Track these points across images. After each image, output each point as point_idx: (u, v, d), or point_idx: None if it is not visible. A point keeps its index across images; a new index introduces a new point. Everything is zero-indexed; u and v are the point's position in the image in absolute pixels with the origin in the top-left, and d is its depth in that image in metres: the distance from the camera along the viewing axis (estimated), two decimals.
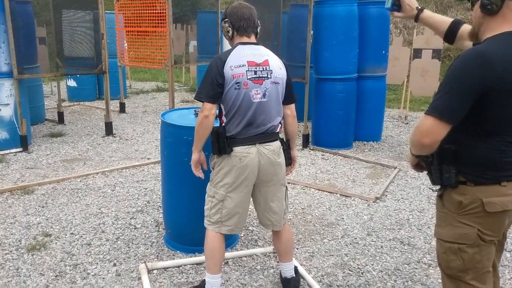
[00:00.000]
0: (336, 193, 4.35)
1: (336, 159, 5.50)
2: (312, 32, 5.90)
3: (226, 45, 9.44)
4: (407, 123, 7.38)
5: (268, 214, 2.58)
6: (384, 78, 6.33)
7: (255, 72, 2.38)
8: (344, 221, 3.77)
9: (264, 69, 2.41)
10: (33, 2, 6.85)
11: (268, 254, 3.21)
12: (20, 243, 3.27)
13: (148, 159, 5.36)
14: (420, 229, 3.64)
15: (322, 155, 5.63)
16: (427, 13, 2.17)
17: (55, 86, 9.93)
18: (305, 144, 5.89)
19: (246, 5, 2.55)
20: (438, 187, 1.90)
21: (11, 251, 3.15)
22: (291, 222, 3.74)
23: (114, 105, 7.82)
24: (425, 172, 1.96)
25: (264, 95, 2.40)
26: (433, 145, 1.73)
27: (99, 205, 3.98)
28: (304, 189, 4.47)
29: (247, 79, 2.36)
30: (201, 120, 2.37)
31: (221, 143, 2.40)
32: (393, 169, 5.07)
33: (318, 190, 4.44)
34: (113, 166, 5.02)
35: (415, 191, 4.47)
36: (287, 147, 2.64)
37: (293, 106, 2.63)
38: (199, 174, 2.54)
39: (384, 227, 3.68)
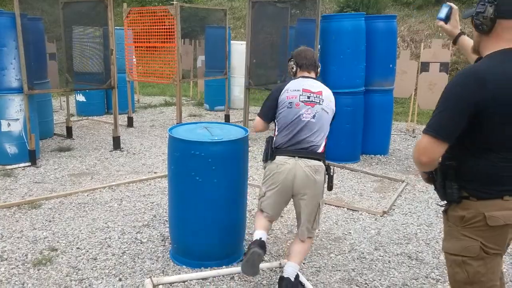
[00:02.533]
0: (343, 207, 4.31)
1: (343, 172, 5.47)
2: (319, 46, 5.94)
3: (234, 61, 9.53)
4: (414, 137, 7.34)
5: (304, 226, 2.89)
6: (392, 91, 6.32)
7: (308, 97, 2.85)
8: (351, 236, 3.73)
9: (317, 97, 2.88)
10: (44, 18, 6.96)
11: (274, 269, 3.18)
12: (27, 258, 3.27)
13: (155, 173, 5.37)
14: (428, 244, 3.59)
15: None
16: (467, 38, 2.20)
17: (64, 101, 10.01)
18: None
19: (309, 48, 3.11)
20: (444, 202, 1.93)
21: (17, 266, 3.16)
22: None
23: (122, 119, 7.87)
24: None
25: (314, 116, 2.84)
26: (431, 162, 1.80)
27: (105, 220, 3.98)
28: None
29: (300, 101, 2.84)
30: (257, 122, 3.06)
31: (268, 151, 2.89)
32: (400, 182, 5.03)
33: (325, 204, 4.41)
34: (120, 180, 5.04)
35: (423, 205, 4.42)
36: (331, 173, 2.97)
37: None
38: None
39: (392, 241, 3.64)
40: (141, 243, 3.56)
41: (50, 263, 3.20)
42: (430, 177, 1.96)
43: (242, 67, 9.17)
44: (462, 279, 1.88)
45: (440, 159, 1.83)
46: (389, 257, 3.38)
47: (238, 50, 9.62)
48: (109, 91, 8.12)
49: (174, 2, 6.96)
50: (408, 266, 3.25)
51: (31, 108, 5.55)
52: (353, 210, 4.25)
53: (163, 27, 7.10)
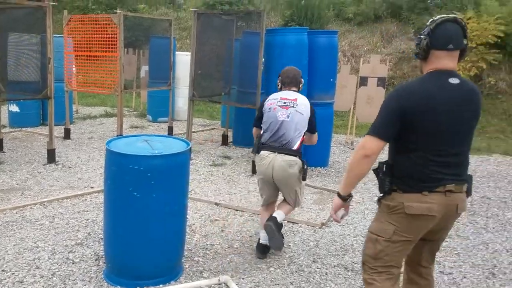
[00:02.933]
0: (284, 220, 4.34)
1: None
2: (263, 59, 6.00)
3: (179, 72, 9.42)
4: (353, 149, 7.58)
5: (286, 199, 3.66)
6: (332, 105, 6.50)
7: (284, 103, 3.56)
8: (291, 248, 3.76)
9: (292, 102, 3.56)
10: None
11: (212, 286, 3.14)
12: None
13: (92, 187, 5.16)
14: None
15: None
16: None
17: None
18: (254, 171, 5.88)
19: (292, 68, 3.83)
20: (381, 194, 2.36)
21: None
22: (238, 251, 3.69)
23: (59, 131, 7.54)
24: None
25: (288, 116, 3.49)
26: (371, 156, 2.20)
27: (35, 239, 3.76)
28: (252, 217, 4.44)
29: (277, 105, 3.54)
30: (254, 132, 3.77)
31: (257, 145, 3.59)
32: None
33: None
34: (53, 196, 4.80)
35: (360, 216, 4.55)
36: (306, 167, 3.53)
37: (312, 135, 3.78)
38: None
39: (329, 253, 3.70)
40: (73, 263, 3.39)
41: None
42: (376, 171, 2.35)
43: (186, 78, 9.06)
44: (370, 253, 2.34)
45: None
46: (326, 269, 3.44)
47: (183, 61, 9.52)
48: (45, 101, 7.74)
49: (118, 11, 6.80)
50: (344, 278, 3.32)
51: None
52: (293, 222, 4.30)
53: (105, 36, 6.90)
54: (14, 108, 8.44)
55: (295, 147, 3.49)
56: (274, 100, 3.60)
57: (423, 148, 2.18)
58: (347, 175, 2.31)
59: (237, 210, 4.60)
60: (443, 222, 2.27)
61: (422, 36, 2.21)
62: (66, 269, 3.29)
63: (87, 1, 16.85)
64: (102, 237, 3.78)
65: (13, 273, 3.20)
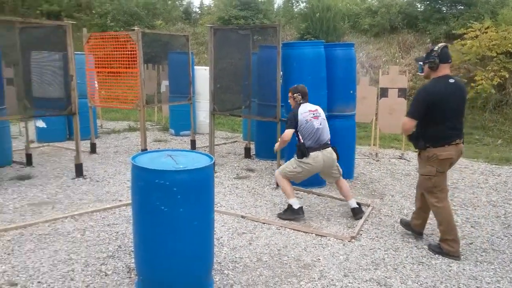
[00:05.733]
0: (312, 233, 4.35)
1: (310, 197, 5.53)
2: (281, 72, 6.05)
3: (199, 86, 9.54)
4: (378, 160, 7.55)
5: (331, 176, 4.93)
6: (354, 117, 6.50)
7: (314, 114, 4.75)
8: (321, 262, 3.76)
9: (317, 112, 4.81)
10: (0, 43, 6.75)
11: None
12: None
13: (120, 201, 5.25)
14: (395, 269, 3.67)
15: (296, 193, 5.65)
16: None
17: (23, 127, 9.70)
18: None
19: (303, 86, 4.99)
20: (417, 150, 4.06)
21: None
22: (267, 264, 3.70)
23: (85, 145, 7.69)
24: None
25: (320, 124, 4.74)
26: (409, 130, 3.93)
27: (68, 251, 3.84)
28: (279, 229, 4.45)
29: (310, 117, 4.71)
30: (286, 134, 4.75)
31: (304, 151, 4.64)
32: (366, 207, 5.13)
33: (294, 230, 4.44)
34: (83, 209, 4.89)
35: (389, 229, 4.52)
36: (335, 149, 4.85)
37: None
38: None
39: (360, 267, 3.69)
40: (106, 275, 3.45)
41: None
42: (410, 137, 4.00)
43: (207, 92, 9.18)
44: (428, 186, 3.96)
45: (415, 128, 3.90)
46: (359, 283, 3.42)
47: (202, 75, 9.65)
48: (70, 117, 7.92)
49: (136, 28, 6.95)
50: None
51: None
52: (321, 235, 4.29)
53: (125, 52, 7.05)
54: (41, 123, 8.65)
55: (328, 142, 4.80)
56: (306, 113, 4.72)
57: (442, 121, 3.79)
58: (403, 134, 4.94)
59: (264, 223, 4.62)
60: (455, 160, 3.93)
61: (434, 55, 3.80)
62: (100, 281, 3.35)
63: (105, 18, 17.23)
64: (132, 249, 3.84)
65: (49, 285, 3.26)
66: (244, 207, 5.15)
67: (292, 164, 4.76)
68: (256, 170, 6.86)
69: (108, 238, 4.15)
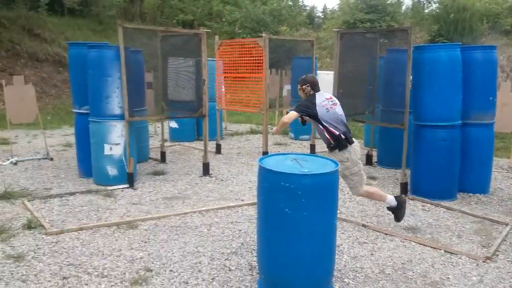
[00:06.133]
0: (440, 249, 4.03)
1: (438, 211, 5.15)
2: (411, 77, 5.74)
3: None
4: None
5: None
6: (492, 125, 5.90)
7: (332, 101, 4.34)
8: (450, 281, 3.46)
9: (333, 99, 4.40)
10: (143, 50, 7.49)
11: None
12: (124, 276, 3.45)
13: (242, 200, 5.46)
14: None
15: (423, 205, 5.31)
16: None
17: (158, 127, 10.67)
18: (403, 193, 5.61)
19: (313, 75, 4.74)
20: None
21: (116, 283, 3.34)
22: (391, 277, 3.53)
23: (211, 146, 8.16)
24: None
25: (340, 110, 4.33)
26: None
27: (196, 244, 4.10)
28: (403, 242, 4.21)
29: (331, 105, 4.28)
30: (290, 116, 4.27)
31: (343, 142, 4.23)
32: (504, 225, 4.62)
33: (420, 244, 4.16)
34: (209, 206, 5.18)
35: None
36: None
37: None
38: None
39: None
40: (229, 270, 3.60)
41: (145, 283, 3.34)
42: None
43: None
44: None
45: None
46: None
47: (325, 80, 9.59)
48: (199, 119, 8.49)
49: (263, 34, 7.18)
50: None
51: (131, 133, 5.94)
52: (451, 253, 3.96)
53: (251, 58, 7.33)
54: (174, 124, 9.42)
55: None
56: (325, 102, 4.28)
57: None
58: None
59: (386, 234, 4.42)
60: None
61: None
62: (224, 276, 3.50)
63: (233, 26, 18.16)
64: (254, 248, 3.97)
65: (179, 274, 3.51)
66: (365, 215, 4.99)
67: (345, 171, 4.26)
68: (378, 178, 6.60)
69: (232, 235, 4.33)
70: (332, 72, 6.99)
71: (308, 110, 4.22)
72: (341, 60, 6.71)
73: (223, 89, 8.27)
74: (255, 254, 3.82)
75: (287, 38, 11.97)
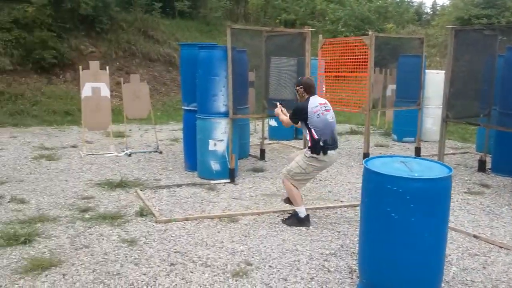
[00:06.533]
0: None
1: None
2: None
3: (428, 91, 9.00)
4: None
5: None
6: None
7: (325, 107, 4.44)
8: None
9: (327, 105, 4.50)
10: (248, 50, 7.69)
11: None
12: (226, 268, 3.58)
13: (341, 202, 5.36)
14: None
15: None
16: None
17: (257, 125, 10.90)
18: None
19: (311, 78, 4.86)
20: None
21: (218, 274, 3.48)
22: None
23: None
24: None
25: (332, 117, 4.46)
26: None
27: (294, 242, 4.11)
28: None
29: (322, 111, 4.38)
30: (288, 122, 4.72)
31: (322, 148, 4.33)
32: None
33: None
34: (308, 205, 5.17)
35: None
36: None
37: None
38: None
39: None
40: (328, 271, 3.56)
41: (246, 276, 3.43)
42: None
43: (436, 98, 8.60)
44: None
45: None
46: None
47: (434, 80, 9.08)
48: None
49: (370, 32, 6.97)
50: None
51: (234, 131, 6.15)
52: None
53: (353, 57, 7.16)
54: (273, 123, 9.56)
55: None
56: (317, 107, 4.37)
57: None
58: None
59: (501, 248, 4.04)
60: None
61: None
62: (323, 276, 3.47)
63: (336, 24, 17.90)
64: (354, 251, 3.88)
65: (278, 270, 3.56)
66: (476, 226, 4.61)
67: (301, 164, 4.40)
68: (492, 186, 6.06)
69: (331, 236, 4.28)
70: (442, 71, 6.57)
71: (299, 118, 4.48)
72: (455, 58, 6.27)
73: (324, 89, 8.19)
74: (355, 258, 3.73)
75: (396, 36, 11.50)
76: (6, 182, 5.88)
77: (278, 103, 5.13)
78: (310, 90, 4.50)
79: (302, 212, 4.50)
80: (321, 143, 4.31)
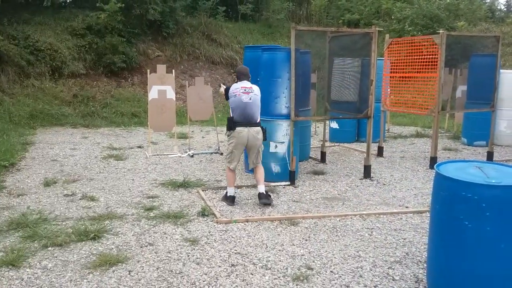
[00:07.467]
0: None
1: None
2: None
3: (503, 92, 8.45)
4: None
5: (252, 161, 5.21)
6: None
7: (245, 89, 5.03)
8: None
9: (250, 89, 5.05)
10: (312, 51, 7.60)
11: None
12: (287, 271, 3.53)
13: (407, 207, 5.14)
14: None
15: None
16: None
17: (318, 127, 10.77)
18: None
19: (244, 66, 5.45)
20: None
21: (279, 277, 3.44)
22: None
23: (373, 148, 7.88)
24: None
25: (250, 99, 5.00)
26: None
27: (357, 248, 3.99)
28: None
29: (240, 92, 5.00)
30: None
31: (231, 124, 5.01)
32: None
33: None
34: (371, 210, 5.01)
35: None
36: (264, 131, 5.18)
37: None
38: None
39: None
40: (393, 280, 3.41)
41: (307, 281, 3.37)
42: None
43: (511, 100, 8.06)
44: None
45: None
46: None
47: (508, 80, 8.50)
48: (361, 120, 8.29)
49: (441, 31, 6.65)
50: None
51: (295, 133, 6.09)
52: None
53: (420, 56, 6.86)
54: (334, 125, 9.39)
55: (258, 120, 5.10)
56: (237, 89, 5.04)
57: None
58: None
59: None
60: None
61: None
62: (387, 284, 3.33)
63: (403, 23, 17.26)
64: (420, 259, 3.71)
65: (340, 276, 3.46)
66: None
67: (227, 146, 5.19)
68: None
69: (395, 243, 4.10)
70: None
71: (226, 97, 5.23)
72: None
73: (389, 90, 7.92)
74: (422, 267, 3.56)
75: (469, 34, 10.90)
76: (78, 180, 6.23)
77: (221, 84, 5.92)
78: (240, 76, 5.17)
79: (229, 192, 5.19)
80: (233, 121, 5.01)
